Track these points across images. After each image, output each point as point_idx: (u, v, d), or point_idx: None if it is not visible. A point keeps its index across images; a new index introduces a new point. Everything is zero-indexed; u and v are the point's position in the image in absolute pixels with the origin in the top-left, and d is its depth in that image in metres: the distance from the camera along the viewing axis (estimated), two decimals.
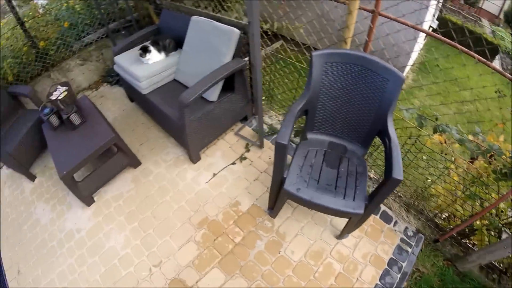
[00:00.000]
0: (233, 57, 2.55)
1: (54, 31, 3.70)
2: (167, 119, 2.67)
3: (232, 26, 2.49)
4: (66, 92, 2.71)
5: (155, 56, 2.85)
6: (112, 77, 3.89)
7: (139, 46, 2.84)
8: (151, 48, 2.81)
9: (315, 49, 2.05)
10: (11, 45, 3.60)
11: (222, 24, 2.53)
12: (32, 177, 3.14)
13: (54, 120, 2.75)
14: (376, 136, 2.04)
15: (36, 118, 3.11)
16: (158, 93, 2.84)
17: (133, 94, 3.29)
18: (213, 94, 2.60)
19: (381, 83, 1.88)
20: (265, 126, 3.08)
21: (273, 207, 2.32)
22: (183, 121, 2.39)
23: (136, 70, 2.79)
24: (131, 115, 3.43)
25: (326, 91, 2.06)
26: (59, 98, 2.67)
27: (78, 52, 3.83)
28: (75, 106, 2.68)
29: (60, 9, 3.99)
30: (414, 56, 6.26)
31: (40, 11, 3.91)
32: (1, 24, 3.94)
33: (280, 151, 1.84)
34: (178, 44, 2.99)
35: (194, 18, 2.75)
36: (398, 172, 1.54)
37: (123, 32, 3.83)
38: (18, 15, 3.42)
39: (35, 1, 3.99)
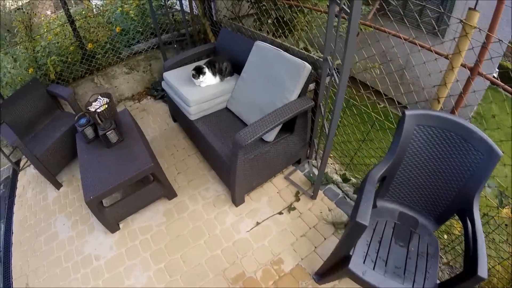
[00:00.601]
0: (299, 95, 2.15)
1: (104, 35, 3.46)
2: (213, 152, 2.30)
3: (300, 58, 2.13)
4: (106, 106, 2.39)
5: (209, 79, 2.51)
6: (157, 91, 3.60)
7: (193, 65, 2.52)
8: (206, 70, 2.47)
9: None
10: (57, 42, 3.37)
11: (291, 56, 2.15)
12: (58, 185, 2.87)
13: (89, 132, 2.46)
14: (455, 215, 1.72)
15: (71, 124, 2.87)
16: (207, 121, 2.48)
17: (177, 115, 2.96)
18: (270, 135, 2.22)
19: (474, 156, 1.57)
20: (316, 171, 2.66)
21: (323, 275, 1.93)
22: (234, 162, 2.01)
23: (187, 92, 2.45)
24: (172, 136, 3.09)
25: (411, 156, 1.71)
26: (98, 110, 2.35)
27: (125, 59, 3.57)
28: (114, 122, 2.36)
29: (114, 13, 3.76)
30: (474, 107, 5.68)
31: (94, 11, 3.69)
32: (52, 18, 3.76)
33: (358, 232, 1.45)
34: (235, 68, 2.64)
35: (258, 43, 2.40)
36: (483, 269, 1.26)
37: (175, 45, 3.54)
38: (69, 12, 3.19)
39: (90, 1, 3.79)
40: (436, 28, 3.02)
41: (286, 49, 2.35)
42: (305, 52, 2.27)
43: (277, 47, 2.32)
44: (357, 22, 1.31)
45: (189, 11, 3.49)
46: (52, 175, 2.81)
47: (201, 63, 2.69)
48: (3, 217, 2.79)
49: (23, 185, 3.02)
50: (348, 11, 1.31)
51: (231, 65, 2.60)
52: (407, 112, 1.62)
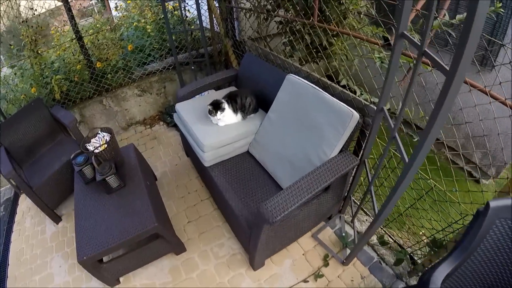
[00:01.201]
0: (340, 149, 1.69)
1: (115, 53, 3.07)
2: (230, 211, 1.86)
3: (342, 100, 1.70)
4: (105, 145, 1.98)
5: (229, 117, 2.07)
6: (170, 117, 3.20)
7: (210, 95, 2.10)
8: (225, 105, 2.04)
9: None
10: (63, 60, 3.01)
11: (334, 99, 1.69)
12: (56, 219, 2.52)
13: (88, 172, 2.08)
14: None
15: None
16: (224, 169, 2.05)
17: (190, 152, 2.51)
18: None
19: None
20: (348, 227, 2.20)
21: None
22: (257, 234, 1.57)
23: (201, 133, 2.03)
24: (184, 175, 2.67)
25: (483, 253, 1.25)
26: (96, 151, 1.94)
27: (138, 80, 3.18)
28: (115, 164, 1.95)
29: (129, 29, 3.38)
30: None
31: (107, 25, 3.32)
32: (65, 30, 3.40)
33: None
34: (260, 103, 2.22)
35: (291, 77, 1.95)
36: None
37: (192, 67, 3.13)
38: (76, 26, 2.81)
39: (102, 15, 3.42)
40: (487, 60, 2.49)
41: (325, 87, 1.89)
42: (350, 94, 1.80)
43: (314, 83, 1.87)
44: (461, 81, 0.83)
45: (210, 28, 3.07)
46: (50, 209, 2.45)
47: (220, 93, 2.27)
48: (1, 244, 2.51)
49: (22, 211, 2.72)
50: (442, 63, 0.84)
51: (255, 100, 2.16)
52: (493, 204, 1.15)
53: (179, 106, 2.31)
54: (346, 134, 1.64)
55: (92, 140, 2.05)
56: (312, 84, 1.82)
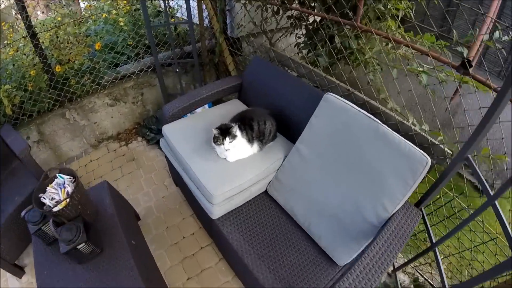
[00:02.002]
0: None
1: (80, 53, 2.37)
2: (256, 283, 1.31)
3: (398, 132, 1.24)
4: (66, 201, 1.34)
5: (241, 148, 1.51)
6: (150, 130, 2.56)
7: (210, 111, 1.54)
8: (238, 132, 1.46)
9: None
10: (13, 64, 2.29)
11: (401, 138, 1.19)
12: (19, 273, 1.89)
13: (50, 229, 1.43)
14: None
15: (33, 188, 1.81)
16: (238, 222, 1.50)
17: (180, 181, 1.87)
18: (344, 255, 1.26)
19: None
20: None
21: None
22: None
23: (206, 176, 1.45)
24: (174, 212, 2.07)
25: None
26: (55, 210, 1.31)
27: (109, 87, 2.50)
28: (84, 224, 1.35)
29: (97, 22, 2.66)
30: None
31: (67, 19, 2.58)
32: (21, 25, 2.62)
33: None
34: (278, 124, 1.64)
35: (331, 98, 1.42)
36: None
37: (177, 69, 2.48)
38: (29, 20, 2.09)
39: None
40: None
41: (374, 113, 1.38)
42: (411, 126, 1.29)
43: (357, 103, 1.35)
44: None
45: (198, 22, 2.42)
46: (8, 263, 1.82)
47: (220, 110, 1.70)
48: None
49: None
50: None
51: (276, 124, 1.59)
52: None
53: (167, 130, 1.70)
54: (415, 186, 1.15)
55: (49, 189, 1.41)
56: (364, 112, 1.29)
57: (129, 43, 2.58)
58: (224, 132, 1.43)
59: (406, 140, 1.17)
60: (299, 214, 1.44)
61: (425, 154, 1.12)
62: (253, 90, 1.85)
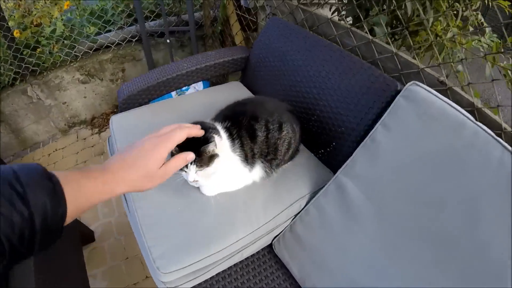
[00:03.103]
0: None
1: (45, 14, 1.72)
2: None
3: None
4: None
5: (230, 173, 0.77)
6: None
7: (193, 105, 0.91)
8: (222, 144, 0.72)
9: None
10: None
11: None
12: None
13: None
14: None
15: None
16: None
17: None
18: None
19: None
20: None
21: None
22: None
23: (156, 237, 0.74)
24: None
25: None
26: None
27: (82, 58, 1.84)
28: None
29: None
30: None
31: None
32: None
33: None
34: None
35: (420, 92, 0.70)
36: None
37: (168, 39, 1.79)
38: None
39: None
40: None
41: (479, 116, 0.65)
42: None
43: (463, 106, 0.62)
44: None
45: None
46: None
47: (213, 94, 1.02)
48: None
49: None
50: None
51: (300, 129, 0.88)
52: None
53: (116, 123, 1.02)
54: None
55: None
56: (489, 131, 0.57)
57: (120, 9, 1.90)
58: (190, 145, 0.64)
59: None
60: None
61: None
62: (264, 70, 1.12)
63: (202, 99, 1.12)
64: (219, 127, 0.75)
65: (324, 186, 0.81)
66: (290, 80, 1.01)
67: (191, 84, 1.17)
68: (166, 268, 0.66)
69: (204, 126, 0.66)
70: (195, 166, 0.66)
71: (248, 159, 0.76)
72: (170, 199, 0.78)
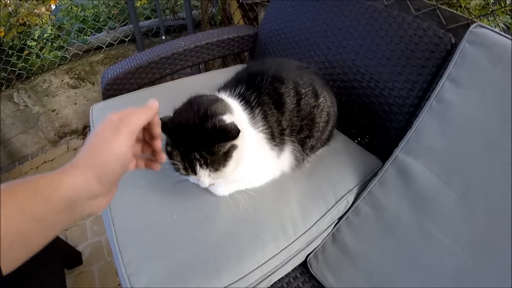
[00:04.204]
0: None
1: (31, 13, 1.52)
2: None
3: None
4: None
5: (251, 161, 0.49)
6: None
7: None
8: (241, 121, 0.48)
9: None
10: None
11: None
12: None
13: None
14: None
15: None
16: None
17: None
18: None
19: None
20: None
21: None
22: None
23: (135, 257, 0.50)
24: None
25: None
26: None
27: (71, 60, 1.62)
28: None
29: None
30: None
31: None
32: None
33: None
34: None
35: (490, 35, 0.44)
36: None
37: (163, 36, 1.57)
38: None
39: None
40: None
41: None
42: None
43: None
44: None
45: None
46: None
47: (220, 75, 0.75)
48: None
49: None
50: None
51: (336, 103, 0.61)
52: None
53: (97, 112, 0.78)
54: None
55: None
56: None
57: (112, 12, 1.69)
58: (193, 134, 0.43)
59: None
60: None
61: None
62: (279, 45, 0.87)
63: (203, 83, 0.88)
64: (229, 98, 0.50)
65: (376, 174, 0.56)
66: (313, 50, 0.77)
67: (190, 66, 0.93)
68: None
69: (205, 100, 0.43)
70: (207, 169, 0.42)
71: (275, 137, 0.50)
72: (161, 203, 0.52)
